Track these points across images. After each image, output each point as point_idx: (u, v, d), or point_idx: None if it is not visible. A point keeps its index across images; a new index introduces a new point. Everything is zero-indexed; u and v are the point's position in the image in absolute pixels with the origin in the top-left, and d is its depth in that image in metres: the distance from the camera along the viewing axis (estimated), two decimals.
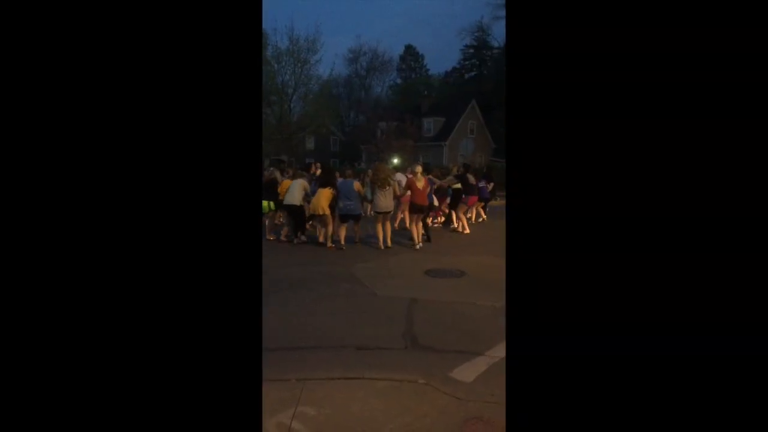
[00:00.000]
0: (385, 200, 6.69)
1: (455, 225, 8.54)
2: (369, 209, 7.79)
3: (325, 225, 6.90)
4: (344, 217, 6.86)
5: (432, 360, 2.89)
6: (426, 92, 33.64)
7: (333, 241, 6.84)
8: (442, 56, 67.13)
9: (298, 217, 7.10)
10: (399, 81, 43.58)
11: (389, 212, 6.94)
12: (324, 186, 6.73)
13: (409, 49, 44.26)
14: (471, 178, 8.48)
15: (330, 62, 39.82)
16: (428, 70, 44.78)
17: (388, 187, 6.69)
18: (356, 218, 6.95)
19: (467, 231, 8.25)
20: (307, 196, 6.89)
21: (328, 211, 6.69)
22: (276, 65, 22.47)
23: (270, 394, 2.40)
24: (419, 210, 6.92)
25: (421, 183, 6.86)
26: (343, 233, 6.89)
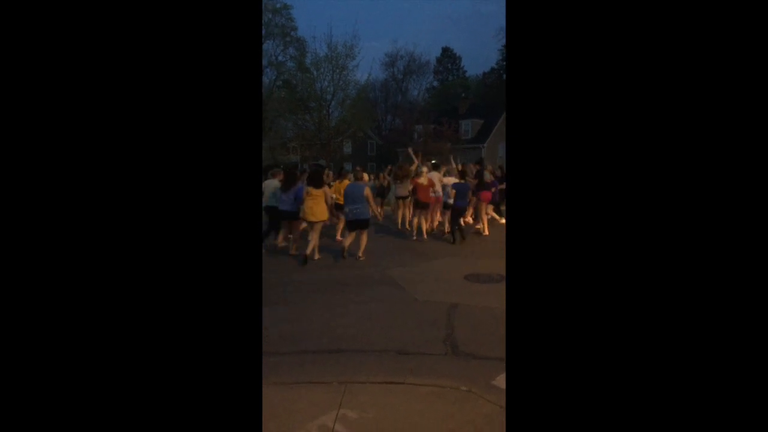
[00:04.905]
0: (402, 189, 8.35)
1: (478, 226, 8.56)
2: (380, 213, 8.40)
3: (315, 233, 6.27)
4: (351, 224, 6.32)
5: (474, 367, 2.85)
6: (463, 94, 33.31)
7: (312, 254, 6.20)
8: (479, 57, 66.40)
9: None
10: (436, 83, 43.40)
11: (406, 197, 8.29)
12: (318, 187, 6.08)
13: (446, 51, 44.00)
14: (487, 175, 8.58)
15: (367, 67, 40.39)
16: (465, 71, 44.40)
17: (405, 180, 8.25)
18: (363, 224, 6.26)
19: (478, 227, 8.43)
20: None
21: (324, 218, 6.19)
22: (315, 72, 22.92)
23: (312, 396, 2.44)
24: (423, 206, 7.86)
25: (425, 182, 7.65)
26: (348, 241, 6.39)
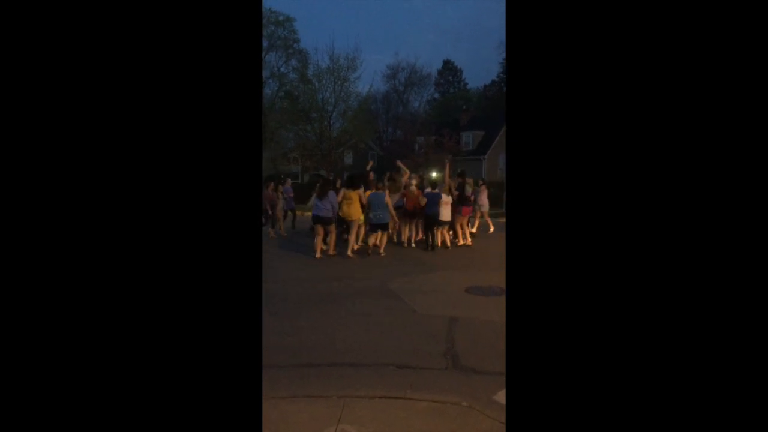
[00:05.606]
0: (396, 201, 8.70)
1: (457, 239, 8.61)
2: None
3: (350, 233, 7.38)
4: (374, 227, 7.43)
5: (474, 381, 2.82)
6: (464, 106, 33.52)
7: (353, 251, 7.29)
8: (480, 70, 67.05)
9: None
10: (437, 96, 43.67)
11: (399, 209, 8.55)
12: (353, 189, 7.09)
13: (447, 64, 44.38)
14: (468, 189, 8.66)
15: (369, 79, 40.52)
16: (466, 84, 44.73)
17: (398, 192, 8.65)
18: (385, 227, 7.49)
19: (462, 242, 8.55)
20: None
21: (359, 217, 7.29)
22: (317, 83, 23.09)
23: (311, 410, 2.41)
24: (411, 215, 8.22)
25: (414, 191, 8.05)
26: (372, 241, 7.60)
